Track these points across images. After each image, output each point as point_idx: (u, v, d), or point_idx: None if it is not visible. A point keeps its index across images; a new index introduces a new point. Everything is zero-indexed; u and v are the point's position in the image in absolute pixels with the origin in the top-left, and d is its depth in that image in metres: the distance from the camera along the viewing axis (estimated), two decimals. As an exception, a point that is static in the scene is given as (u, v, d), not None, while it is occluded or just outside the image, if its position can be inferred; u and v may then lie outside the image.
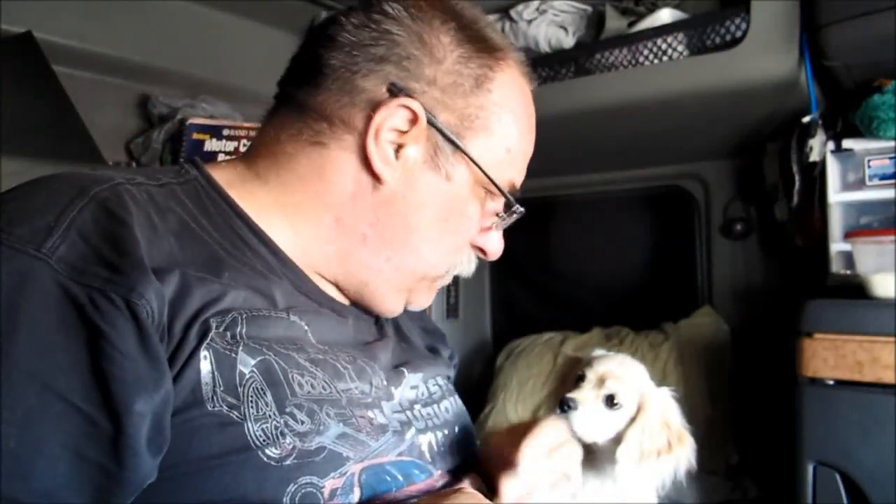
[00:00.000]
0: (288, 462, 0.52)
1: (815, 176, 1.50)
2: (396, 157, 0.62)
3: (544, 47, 1.67)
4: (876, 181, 1.42)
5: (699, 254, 2.16)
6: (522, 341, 2.23)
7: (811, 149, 1.48)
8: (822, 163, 1.47)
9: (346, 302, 0.70)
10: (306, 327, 0.61)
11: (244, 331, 0.54)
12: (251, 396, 0.52)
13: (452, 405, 0.75)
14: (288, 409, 0.53)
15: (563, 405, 0.80)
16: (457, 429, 0.73)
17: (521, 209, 0.69)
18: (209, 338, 0.52)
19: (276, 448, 0.51)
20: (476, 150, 0.64)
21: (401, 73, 0.61)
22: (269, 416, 0.52)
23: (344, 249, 0.65)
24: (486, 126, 0.64)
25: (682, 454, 0.81)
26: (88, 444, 0.45)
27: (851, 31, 1.26)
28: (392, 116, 0.61)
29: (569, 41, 1.65)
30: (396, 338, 0.76)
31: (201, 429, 0.50)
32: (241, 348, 0.53)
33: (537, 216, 2.46)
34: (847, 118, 1.45)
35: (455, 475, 0.69)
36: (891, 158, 1.39)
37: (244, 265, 0.59)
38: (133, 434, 0.46)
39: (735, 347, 1.93)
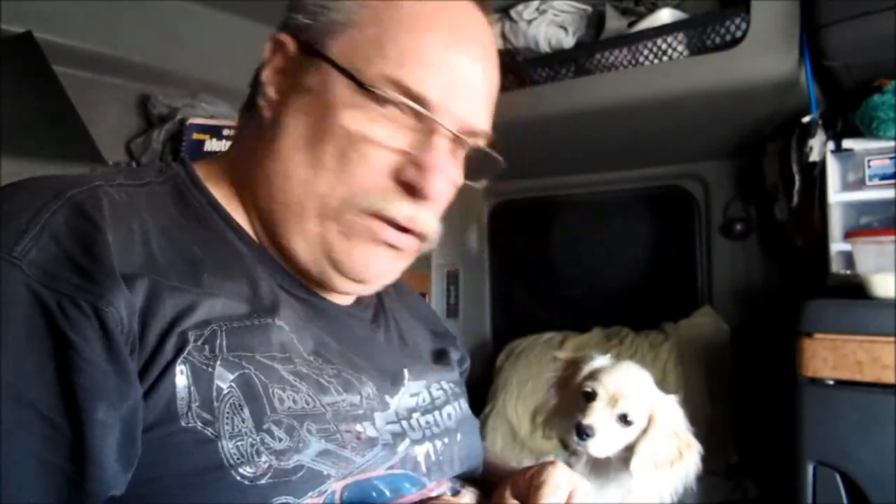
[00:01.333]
0: (263, 481, 0.50)
1: (815, 176, 1.50)
2: (274, 94, 0.63)
3: (544, 47, 1.67)
4: (876, 181, 1.42)
5: (699, 254, 2.16)
6: (522, 341, 2.23)
7: (811, 149, 1.48)
8: (822, 163, 1.47)
9: (335, 300, 0.67)
10: (293, 334, 0.58)
11: (224, 343, 0.53)
12: (227, 413, 0.51)
13: (456, 410, 0.72)
14: (266, 426, 0.52)
15: (581, 434, 0.80)
16: (459, 436, 0.70)
17: (449, 130, 0.60)
18: (186, 351, 0.50)
19: (250, 467, 0.50)
20: (337, 49, 0.59)
21: (290, 17, 0.63)
22: (245, 434, 0.51)
23: (274, 212, 0.62)
24: (351, 21, 0.60)
25: (692, 460, 0.81)
26: (51, 451, 0.45)
27: (851, 31, 1.26)
28: (267, 55, 0.63)
29: (569, 41, 1.65)
30: (399, 342, 0.73)
31: (176, 445, 0.49)
32: (219, 362, 0.52)
33: (537, 216, 2.47)
34: (847, 118, 1.45)
35: (455, 485, 0.67)
36: (891, 158, 1.39)
37: (224, 266, 0.58)
38: (95, 443, 0.45)
39: (735, 347, 1.93)
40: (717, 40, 1.44)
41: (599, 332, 2.17)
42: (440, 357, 0.78)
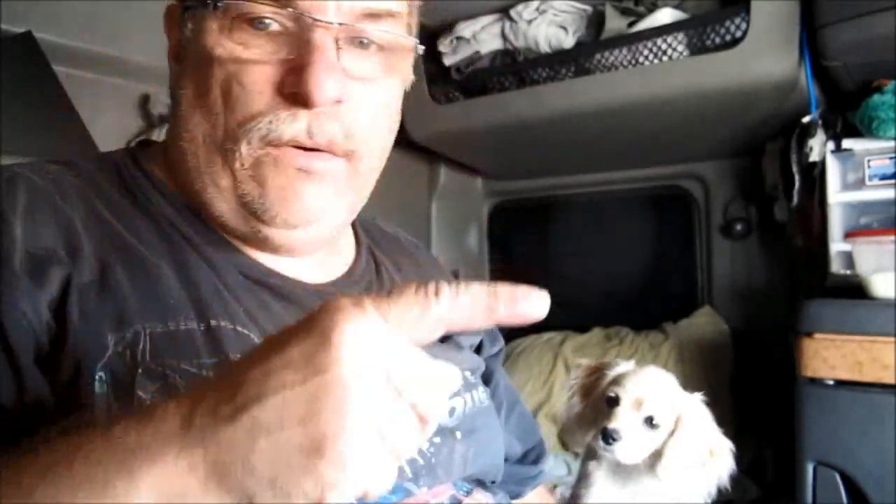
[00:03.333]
0: None
1: (815, 176, 1.51)
2: (176, 66, 0.59)
3: (544, 47, 1.67)
4: (876, 181, 1.42)
5: (699, 254, 2.16)
6: (522, 341, 2.23)
7: (811, 149, 1.48)
8: (822, 163, 1.47)
9: (307, 279, 0.61)
10: (238, 327, 0.53)
11: (147, 348, 0.48)
12: None
13: (464, 405, 0.65)
14: None
15: (607, 438, 0.79)
16: (459, 434, 0.62)
17: (320, 20, 0.52)
18: (106, 357, 0.46)
19: None
20: None
21: None
22: None
23: (190, 180, 0.57)
24: None
25: (724, 459, 0.81)
26: None
27: (851, 31, 1.26)
28: (166, 32, 0.61)
29: (569, 41, 1.65)
30: None
31: None
32: (140, 371, 0.47)
33: (537, 216, 2.46)
34: (847, 118, 1.45)
35: (459, 491, 0.61)
36: (891, 158, 1.39)
37: (158, 254, 0.53)
38: None
39: (735, 347, 1.94)
40: (717, 40, 1.44)
41: (599, 332, 2.17)
42: (449, 342, 0.70)
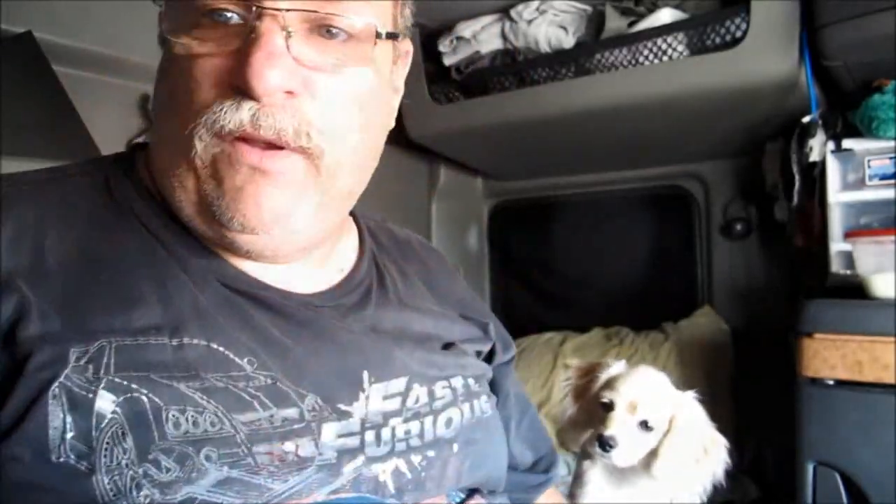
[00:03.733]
0: None
1: (815, 176, 1.51)
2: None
3: (544, 47, 1.67)
4: (876, 181, 1.42)
5: (699, 254, 2.16)
6: (522, 341, 2.23)
7: (811, 149, 1.48)
8: (822, 163, 1.47)
9: (295, 289, 0.59)
10: (213, 344, 0.51)
11: (111, 361, 0.47)
12: (107, 443, 0.45)
13: (462, 415, 0.62)
14: (151, 456, 0.45)
15: (603, 445, 0.79)
16: (457, 446, 0.60)
17: (264, 7, 0.49)
18: (63, 375, 0.45)
19: (127, 503, 0.44)
20: None
21: None
22: (125, 466, 0.45)
23: (162, 185, 0.57)
24: None
25: (719, 456, 0.81)
26: None
27: (851, 31, 1.26)
28: None
29: (569, 41, 1.65)
30: (390, 333, 0.62)
31: (45, 484, 0.44)
32: (102, 385, 0.46)
33: (537, 216, 2.47)
34: (847, 118, 1.45)
35: (459, 498, 0.60)
36: (891, 158, 1.39)
37: (134, 266, 0.52)
38: None
39: (735, 347, 1.94)
40: (717, 40, 1.44)
41: (599, 332, 2.16)
42: (454, 347, 0.68)
